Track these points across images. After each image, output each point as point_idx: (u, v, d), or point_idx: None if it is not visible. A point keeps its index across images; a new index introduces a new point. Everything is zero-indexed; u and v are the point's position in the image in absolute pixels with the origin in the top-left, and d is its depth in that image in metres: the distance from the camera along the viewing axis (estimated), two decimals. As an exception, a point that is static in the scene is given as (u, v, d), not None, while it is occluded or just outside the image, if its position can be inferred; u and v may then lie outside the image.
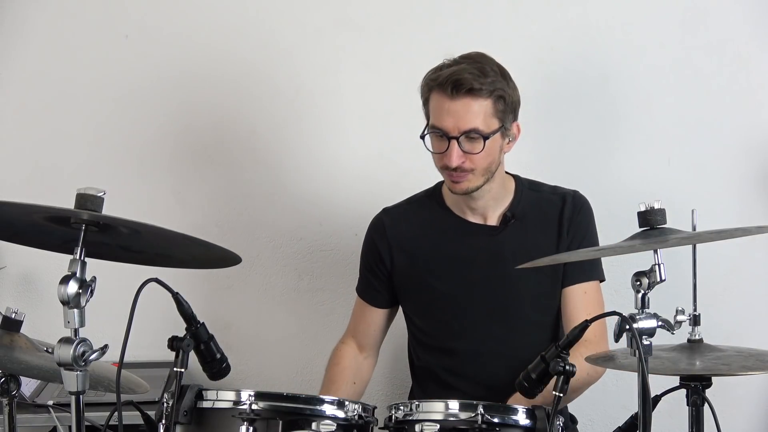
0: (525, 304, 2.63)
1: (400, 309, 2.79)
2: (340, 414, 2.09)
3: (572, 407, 2.76)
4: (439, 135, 2.50)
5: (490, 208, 2.65)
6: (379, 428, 2.19)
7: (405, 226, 2.72)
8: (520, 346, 2.60)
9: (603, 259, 2.71)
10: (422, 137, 2.54)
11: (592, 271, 2.66)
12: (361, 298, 2.80)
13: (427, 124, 2.56)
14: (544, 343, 2.58)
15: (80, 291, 1.78)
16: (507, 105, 2.52)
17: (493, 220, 2.65)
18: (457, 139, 2.47)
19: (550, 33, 3.19)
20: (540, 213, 2.66)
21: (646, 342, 1.89)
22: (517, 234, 2.63)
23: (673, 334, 1.97)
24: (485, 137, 2.48)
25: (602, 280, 2.68)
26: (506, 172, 2.68)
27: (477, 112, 2.47)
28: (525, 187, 2.70)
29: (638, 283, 1.93)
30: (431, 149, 2.54)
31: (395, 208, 2.78)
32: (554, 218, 2.65)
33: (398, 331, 2.84)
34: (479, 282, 2.63)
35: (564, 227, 2.64)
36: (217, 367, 2.10)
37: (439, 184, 2.74)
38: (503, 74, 2.53)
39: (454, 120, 2.47)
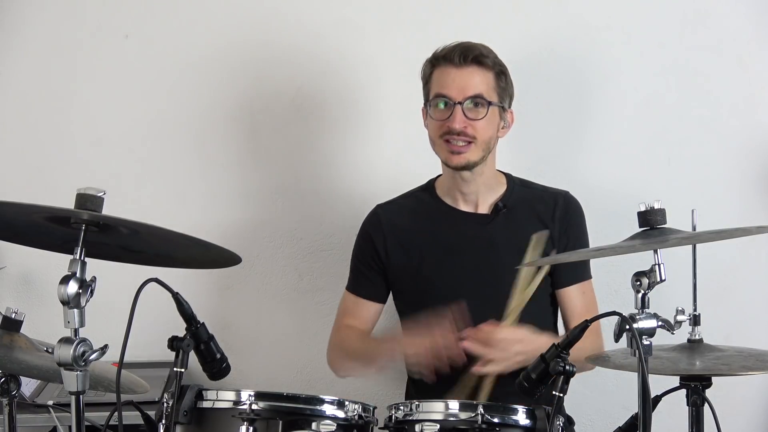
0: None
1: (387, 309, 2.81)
2: (340, 414, 2.09)
3: (572, 407, 2.75)
4: (443, 103, 2.58)
5: (481, 195, 2.70)
6: (379, 428, 2.19)
7: (399, 219, 2.75)
8: None
9: (603, 259, 2.72)
10: (426, 105, 2.62)
11: (585, 271, 2.74)
12: (355, 294, 2.81)
13: (427, 101, 2.64)
14: (536, 323, 2.62)
15: (80, 291, 1.79)
16: (507, 84, 2.63)
17: (484, 209, 2.71)
18: (461, 104, 2.55)
19: (550, 33, 3.19)
20: (531, 208, 2.71)
21: (646, 342, 1.89)
22: (507, 224, 2.68)
23: (673, 334, 1.97)
24: (489, 103, 2.56)
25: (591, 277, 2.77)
26: (498, 170, 2.74)
27: (481, 80, 2.58)
28: (516, 184, 2.76)
29: (638, 283, 1.93)
30: (433, 117, 2.60)
31: (389, 203, 2.82)
32: (546, 215, 2.70)
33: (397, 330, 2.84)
34: (472, 269, 2.67)
35: (556, 225, 2.68)
36: (217, 367, 2.10)
37: (432, 180, 2.79)
38: (500, 59, 2.63)
39: (459, 86, 2.56)
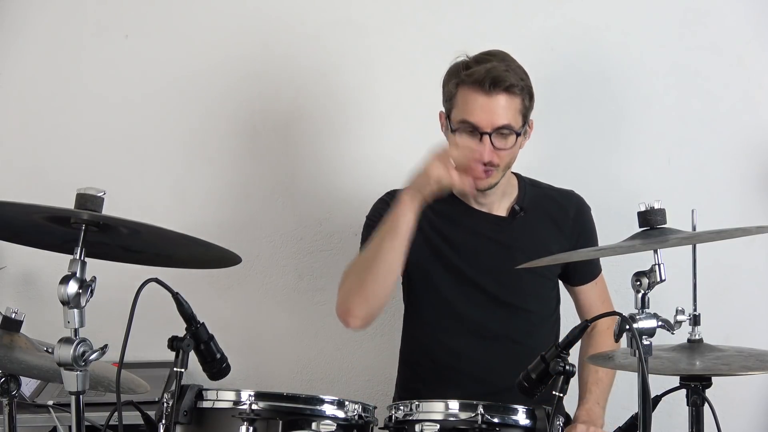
0: (527, 293, 2.69)
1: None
2: (340, 414, 2.09)
3: (572, 407, 2.75)
4: (470, 130, 2.51)
5: (497, 201, 2.69)
6: (379, 428, 2.19)
7: None
8: (520, 331, 2.67)
9: (603, 259, 2.73)
10: (453, 131, 2.54)
11: (598, 266, 2.79)
12: None
13: (448, 117, 2.56)
14: (541, 329, 2.70)
15: (80, 291, 1.79)
16: (531, 102, 2.57)
17: (499, 211, 2.70)
18: (489, 134, 2.49)
19: (550, 33, 3.19)
20: (544, 209, 2.72)
21: (646, 342, 1.89)
22: (524, 226, 2.68)
23: (673, 334, 1.97)
24: (517, 133, 2.53)
25: None
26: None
27: (510, 108, 2.51)
28: (527, 184, 2.76)
29: (638, 283, 1.93)
30: (458, 142, 2.52)
31: None
32: (558, 213, 2.72)
33: (397, 331, 2.84)
34: (487, 266, 2.66)
35: (569, 224, 2.71)
36: (217, 367, 2.10)
37: None
38: (525, 72, 2.57)
39: (488, 116, 2.49)
